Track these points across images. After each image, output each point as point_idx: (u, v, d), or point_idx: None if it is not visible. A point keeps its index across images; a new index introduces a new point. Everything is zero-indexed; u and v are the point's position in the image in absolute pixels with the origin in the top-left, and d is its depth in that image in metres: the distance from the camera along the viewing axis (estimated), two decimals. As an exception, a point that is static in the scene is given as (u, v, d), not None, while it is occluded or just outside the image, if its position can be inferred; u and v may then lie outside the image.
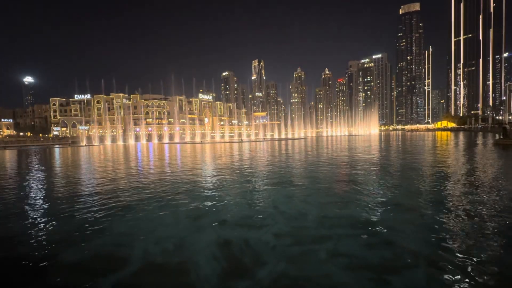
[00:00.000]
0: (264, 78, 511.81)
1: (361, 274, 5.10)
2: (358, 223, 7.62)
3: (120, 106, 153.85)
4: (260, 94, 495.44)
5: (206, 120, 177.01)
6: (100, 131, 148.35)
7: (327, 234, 6.98)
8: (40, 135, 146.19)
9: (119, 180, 16.30)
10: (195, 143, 79.48)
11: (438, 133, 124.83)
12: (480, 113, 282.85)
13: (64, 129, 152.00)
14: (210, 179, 15.88)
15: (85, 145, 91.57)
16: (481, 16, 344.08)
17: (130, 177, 17.77)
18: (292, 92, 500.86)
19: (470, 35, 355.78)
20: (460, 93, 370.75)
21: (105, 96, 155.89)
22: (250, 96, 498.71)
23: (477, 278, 4.78)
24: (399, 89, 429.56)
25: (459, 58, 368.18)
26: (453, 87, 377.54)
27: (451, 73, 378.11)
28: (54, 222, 8.58)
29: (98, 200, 11.21)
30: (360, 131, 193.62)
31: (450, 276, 4.86)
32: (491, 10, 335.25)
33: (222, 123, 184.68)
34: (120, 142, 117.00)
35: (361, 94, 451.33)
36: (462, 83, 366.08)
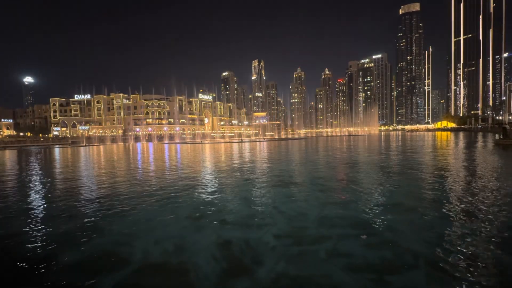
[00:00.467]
0: (264, 78, 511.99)
1: (361, 274, 5.09)
2: (358, 223, 7.61)
3: (120, 106, 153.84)
4: (260, 94, 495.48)
5: (206, 120, 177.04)
6: (100, 131, 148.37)
7: (327, 234, 6.98)
8: (40, 135, 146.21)
9: (119, 180, 16.29)
10: (195, 143, 79.49)
11: (438, 133, 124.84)
12: (480, 113, 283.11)
13: (64, 129, 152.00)
14: (210, 179, 15.87)
15: (85, 145, 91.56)
16: (481, 16, 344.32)
17: (130, 177, 17.76)
18: (292, 92, 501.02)
19: (470, 35, 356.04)
20: (460, 93, 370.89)
21: (105, 96, 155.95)
22: (250, 96, 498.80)
23: (477, 278, 4.76)
24: (399, 89, 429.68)
25: (459, 58, 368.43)
26: (453, 87, 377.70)
27: (451, 73, 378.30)
28: (54, 222, 8.57)
29: (98, 200, 11.21)
30: (360, 131, 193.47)
31: (450, 276, 4.85)
32: (491, 10, 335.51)
33: (222, 123, 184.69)
34: (120, 142, 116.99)
35: (361, 94, 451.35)
36: (462, 83, 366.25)
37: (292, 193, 11.55)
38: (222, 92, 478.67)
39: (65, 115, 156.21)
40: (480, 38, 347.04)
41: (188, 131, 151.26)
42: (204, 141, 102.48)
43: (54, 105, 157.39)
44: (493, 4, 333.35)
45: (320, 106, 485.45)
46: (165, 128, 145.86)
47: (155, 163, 26.99)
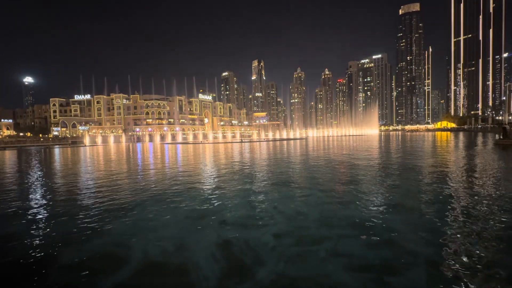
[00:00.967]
0: (264, 78, 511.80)
1: (361, 274, 5.09)
2: (358, 223, 7.62)
3: (120, 106, 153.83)
4: (260, 94, 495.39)
5: (206, 120, 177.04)
6: (100, 132, 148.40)
7: (327, 234, 6.99)
8: (40, 135, 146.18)
9: (119, 180, 16.30)
10: (196, 143, 79.49)
11: (438, 133, 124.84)
12: (480, 113, 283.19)
13: (64, 129, 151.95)
14: (210, 179, 15.88)
15: (85, 146, 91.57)
16: (481, 16, 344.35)
17: (130, 177, 17.77)
18: (292, 93, 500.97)
19: (470, 35, 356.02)
20: (460, 93, 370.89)
21: (105, 96, 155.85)
22: (250, 97, 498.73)
23: (477, 278, 4.77)
24: (399, 89, 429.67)
25: (459, 58, 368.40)
26: (453, 87, 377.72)
27: (451, 73, 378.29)
28: (53, 222, 8.58)
29: (98, 200, 11.21)
30: (359, 132, 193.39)
31: (450, 276, 4.85)
32: (491, 10, 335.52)
33: (222, 123, 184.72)
34: (122, 142, 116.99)
35: (361, 94, 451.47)
36: (462, 83, 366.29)
37: (292, 193, 11.55)
38: (222, 92, 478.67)
39: (65, 115, 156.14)
40: (480, 38, 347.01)
41: (188, 131, 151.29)
42: (205, 141, 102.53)
43: (54, 105, 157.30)
44: (493, 4, 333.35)
45: (320, 106, 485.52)
46: (165, 128, 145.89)
47: (155, 164, 26.98)
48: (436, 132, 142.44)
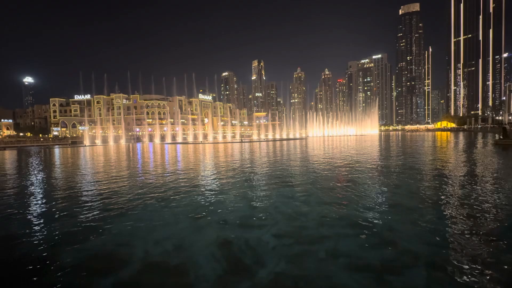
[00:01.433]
0: (264, 78, 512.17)
1: (361, 274, 5.09)
2: (358, 223, 7.62)
3: (120, 107, 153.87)
4: (260, 94, 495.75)
5: (206, 120, 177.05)
6: (100, 132, 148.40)
7: (327, 234, 6.99)
8: (40, 135, 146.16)
9: (118, 180, 16.29)
10: (196, 143, 79.50)
11: (438, 133, 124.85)
12: (480, 113, 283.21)
13: (64, 129, 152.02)
14: (210, 179, 15.88)
15: (84, 146, 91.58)
16: (480, 16, 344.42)
17: (130, 177, 17.76)
18: (292, 93, 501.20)
19: (470, 35, 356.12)
20: (460, 93, 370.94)
21: (105, 97, 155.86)
22: (250, 97, 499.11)
23: (477, 278, 4.77)
24: (399, 89, 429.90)
25: (459, 58, 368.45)
26: (453, 87, 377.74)
27: (451, 73, 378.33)
28: (54, 222, 8.58)
29: (98, 200, 11.21)
30: (358, 132, 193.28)
31: (450, 276, 4.86)
32: (491, 10, 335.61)
33: (222, 123, 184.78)
34: (122, 142, 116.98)
35: (361, 94, 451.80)
36: (462, 83, 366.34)
37: (292, 193, 11.55)
38: (222, 92, 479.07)
39: (65, 115, 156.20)
40: (480, 38, 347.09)
41: (189, 131, 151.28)
42: (205, 141, 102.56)
43: (54, 105, 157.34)
44: (493, 4, 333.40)
45: (320, 106, 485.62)
46: (165, 129, 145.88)
47: (155, 164, 26.98)
48: (436, 132, 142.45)
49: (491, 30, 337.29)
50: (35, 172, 21.75)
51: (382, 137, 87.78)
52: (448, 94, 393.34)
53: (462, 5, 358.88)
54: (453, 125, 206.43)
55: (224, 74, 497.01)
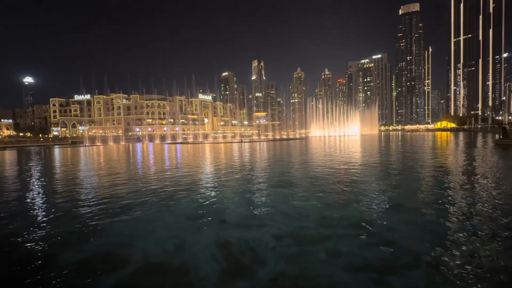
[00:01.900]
0: (264, 78, 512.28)
1: (361, 274, 5.09)
2: (358, 223, 7.62)
3: (120, 107, 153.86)
4: (260, 94, 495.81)
5: (206, 120, 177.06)
6: (100, 132, 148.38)
7: (327, 234, 6.99)
8: (40, 135, 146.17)
9: (118, 180, 16.29)
10: (195, 143, 79.51)
11: (438, 133, 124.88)
12: (480, 113, 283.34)
13: (64, 129, 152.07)
14: (210, 179, 15.88)
15: (84, 146, 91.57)
16: (480, 17, 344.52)
17: (129, 177, 17.77)
18: (292, 93, 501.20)
19: (470, 35, 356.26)
20: (460, 93, 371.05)
21: (105, 97, 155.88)
22: (250, 96, 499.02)
23: (477, 278, 4.76)
24: (399, 89, 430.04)
25: (459, 58, 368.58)
26: (452, 87, 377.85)
27: (451, 73, 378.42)
28: (53, 222, 8.58)
29: (98, 200, 11.21)
30: (358, 132, 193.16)
31: (450, 276, 4.85)
32: (491, 10, 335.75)
33: (222, 123, 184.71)
34: (121, 143, 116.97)
35: (361, 94, 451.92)
36: (462, 83, 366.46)
37: (292, 193, 11.55)
38: (222, 92, 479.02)
39: (65, 115, 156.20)
40: (480, 38, 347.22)
41: (189, 131, 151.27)
42: (205, 141, 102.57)
43: (54, 105, 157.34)
44: (493, 4, 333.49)
45: (320, 106, 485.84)
46: (165, 129, 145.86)
47: (155, 164, 26.99)
48: (436, 132, 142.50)
49: (491, 30, 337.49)
50: (35, 172, 21.75)
51: (382, 137, 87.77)
52: (448, 94, 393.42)
53: (462, 5, 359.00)
54: (453, 125, 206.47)
55: (224, 74, 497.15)
